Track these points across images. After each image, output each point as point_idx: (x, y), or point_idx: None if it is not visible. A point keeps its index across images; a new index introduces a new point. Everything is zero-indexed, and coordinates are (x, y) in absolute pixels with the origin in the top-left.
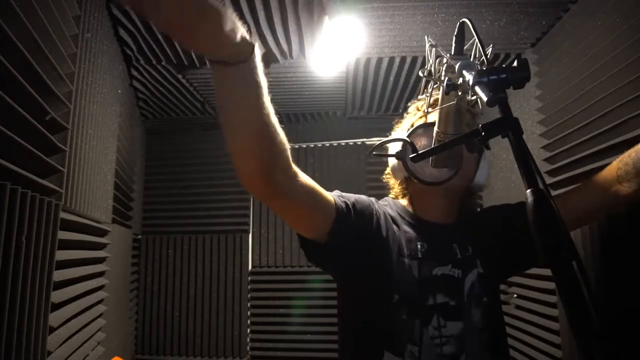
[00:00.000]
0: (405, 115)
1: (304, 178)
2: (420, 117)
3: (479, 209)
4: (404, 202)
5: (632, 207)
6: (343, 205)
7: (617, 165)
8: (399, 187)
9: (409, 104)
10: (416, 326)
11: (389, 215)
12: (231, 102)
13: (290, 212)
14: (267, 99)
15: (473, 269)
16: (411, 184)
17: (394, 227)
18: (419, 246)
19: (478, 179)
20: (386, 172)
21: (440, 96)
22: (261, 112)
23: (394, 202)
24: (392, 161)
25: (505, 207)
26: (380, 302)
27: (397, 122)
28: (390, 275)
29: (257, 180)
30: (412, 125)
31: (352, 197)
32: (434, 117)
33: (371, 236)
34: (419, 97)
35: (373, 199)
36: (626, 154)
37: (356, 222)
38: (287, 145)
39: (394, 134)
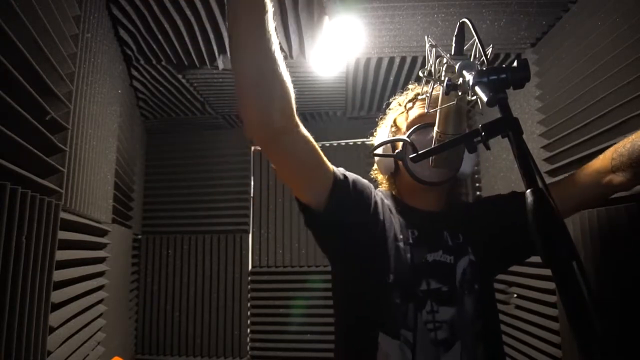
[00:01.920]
0: (387, 111)
1: (307, 134)
2: (402, 113)
3: (471, 200)
4: (394, 193)
5: (632, 207)
6: (342, 177)
7: (611, 155)
8: (387, 182)
9: (391, 100)
10: (410, 311)
11: (384, 201)
12: (246, 14)
13: (288, 168)
14: (272, 24)
15: (464, 255)
16: (398, 178)
17: (389, 212)
18: (409, 233)
19: (464, 169)
20: (374, 168)
21: (440, 96)
22: (268, 31)
23: (386, 192)
24: (382, 153)
25: (497, 198)
26: (375, 281)
27: (380, 119)
28: (387, 256)
29: (257, 114)
30: (394, 121)
31: (353, 175)
32: (415, 112)
33: (369, 216)
34: (419, 97)
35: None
36: (621, 144)
37: (355, 199)
38: (290, 91)
39: (379, 131)
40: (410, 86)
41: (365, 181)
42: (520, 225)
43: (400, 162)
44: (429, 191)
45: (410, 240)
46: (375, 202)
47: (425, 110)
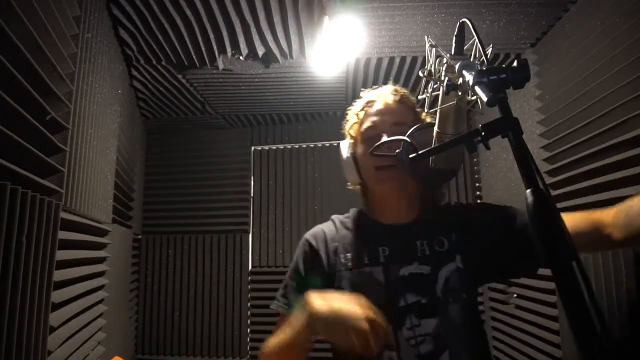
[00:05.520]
0: (344, 122)
1: None
2: (355, 123)
3: (453, 203)
4: (363, 208)
5: None
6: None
7: (617, 208)
8: (361, 192)
9: (347, 111)
10: (389, 331)
11: (339, 233)
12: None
13: None
14: None
15: (447, 263)
16: (368, 187)
17: (351, 241)
18: (380, 251)
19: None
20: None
21: (440, 96)
22: None
23: (356, 213)
24: (345, 167)
25: (496, 209)
26: None
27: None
28: (352, 288)
29: None
30: (350, 133)
31: (294, 266)
32: (366, 123)
33: (327, 271)
34: (419, 97)
35: (305, 239)
36: (627, 203)
37: (314, 274)
38: None
39: (342, 144)
40: (362, 93)
41: (298, 252)
42: (515, 244)
43: (360, 172)
44: (396, 199)
45: (382, 260)
46: (326, 255)
47: (426, 111)
